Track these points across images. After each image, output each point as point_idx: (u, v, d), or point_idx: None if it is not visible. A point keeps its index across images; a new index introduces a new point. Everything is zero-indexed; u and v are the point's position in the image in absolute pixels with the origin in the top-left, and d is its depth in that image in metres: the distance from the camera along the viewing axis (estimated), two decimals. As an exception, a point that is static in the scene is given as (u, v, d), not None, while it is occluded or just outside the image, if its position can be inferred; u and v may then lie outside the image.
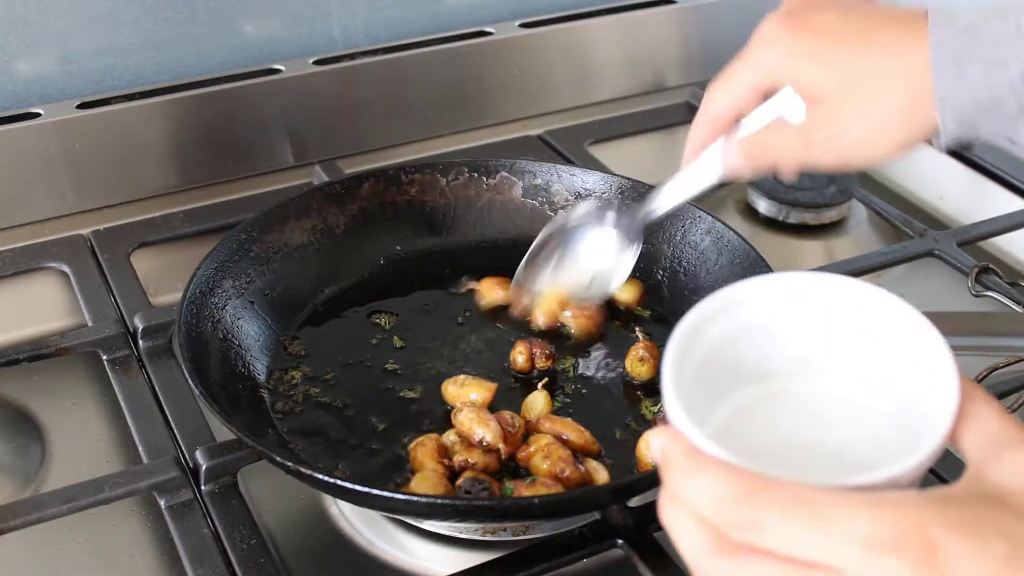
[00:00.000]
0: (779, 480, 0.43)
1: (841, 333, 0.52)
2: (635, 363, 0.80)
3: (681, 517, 0.45)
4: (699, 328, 0.51)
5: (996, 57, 0.56)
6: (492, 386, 0.76)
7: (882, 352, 0.51)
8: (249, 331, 0.82)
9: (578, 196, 0.93)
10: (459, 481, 0.69)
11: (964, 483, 0.44)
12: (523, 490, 0.69)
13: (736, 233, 0.85)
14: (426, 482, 0.69)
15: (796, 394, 0.53)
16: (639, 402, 0.79)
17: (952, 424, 0.46)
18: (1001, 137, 0.59)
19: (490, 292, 0.87)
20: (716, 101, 0.66)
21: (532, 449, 0.72)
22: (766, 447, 0.50)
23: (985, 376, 0.81)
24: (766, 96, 0.65)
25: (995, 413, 0.46)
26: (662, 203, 0.74)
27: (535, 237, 0.83)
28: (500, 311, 0.86)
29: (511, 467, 0.72)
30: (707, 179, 0.69)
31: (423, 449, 0.72)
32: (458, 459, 0.71)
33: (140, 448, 0.77)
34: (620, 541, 0.70)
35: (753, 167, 0.66)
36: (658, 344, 0.81)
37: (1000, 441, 0.45)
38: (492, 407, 0.75)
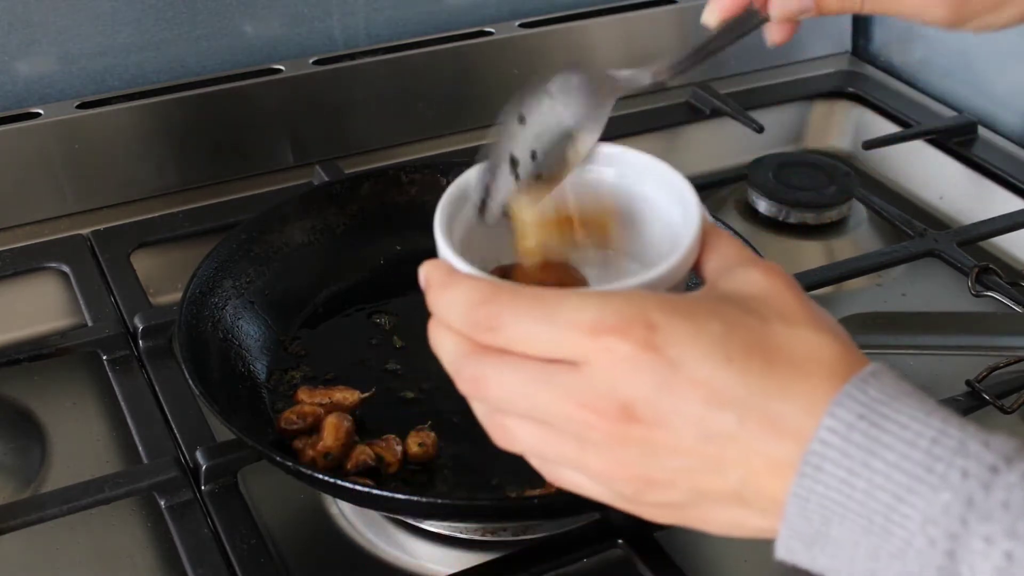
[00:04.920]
0: (521, 286, 0.46)
1: (607, 194, 0.57)
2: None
3: (440, 331, 0.48)
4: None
5: None
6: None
7: (646, 207, 0.57)
8: (249, 331, 0.82)
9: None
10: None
11: (695, 293, 0.49)
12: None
13: (736, 233, 0.85)
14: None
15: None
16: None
17: (694, 243, 0.51)
18: None
19: None
20: None
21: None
22: None
23: (985, 376, 0.81)
24: None
25: (736, 244, 0.51)
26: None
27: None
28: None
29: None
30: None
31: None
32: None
33: (140, 448, 0.77)
34: (620, 541, 0.70)
35: None
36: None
37: (735, 262, 0.50)
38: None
